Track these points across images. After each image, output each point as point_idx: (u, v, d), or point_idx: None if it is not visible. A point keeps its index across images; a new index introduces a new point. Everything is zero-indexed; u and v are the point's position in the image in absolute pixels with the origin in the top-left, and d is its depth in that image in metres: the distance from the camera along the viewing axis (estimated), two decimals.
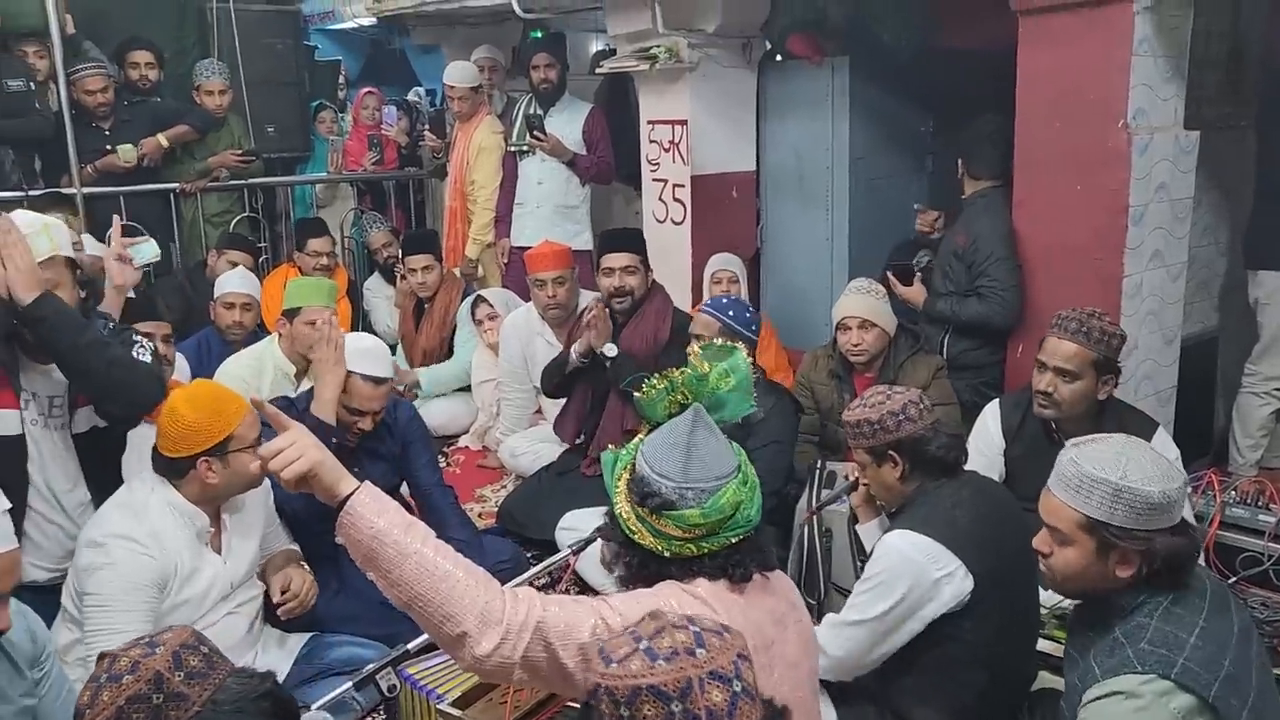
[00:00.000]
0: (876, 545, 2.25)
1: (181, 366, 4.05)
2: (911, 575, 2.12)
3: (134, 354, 2.60)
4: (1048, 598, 2.57)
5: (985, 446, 3.02)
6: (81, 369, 2.46)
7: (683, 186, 4.60)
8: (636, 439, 1.66)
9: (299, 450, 1.55)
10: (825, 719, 2.23)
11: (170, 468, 2.44)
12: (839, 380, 3.56)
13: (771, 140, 4.87)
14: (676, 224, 4.69)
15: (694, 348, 1.66)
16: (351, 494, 1.54)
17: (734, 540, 1.56)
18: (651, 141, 4.72)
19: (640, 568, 1.60)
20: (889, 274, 3.82)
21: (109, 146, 5.09)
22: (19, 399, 2.52)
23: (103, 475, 2.67)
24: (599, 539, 1.72)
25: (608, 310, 3.73)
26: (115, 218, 3.34)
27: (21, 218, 2.51)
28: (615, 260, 3.80)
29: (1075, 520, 1.71)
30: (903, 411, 2.27)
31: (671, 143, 4.61)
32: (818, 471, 3.16)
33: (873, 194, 4.69)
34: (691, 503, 1.53)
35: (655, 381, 1.63)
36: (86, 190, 5.00)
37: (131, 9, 5.64)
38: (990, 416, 3.09)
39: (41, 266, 2.45)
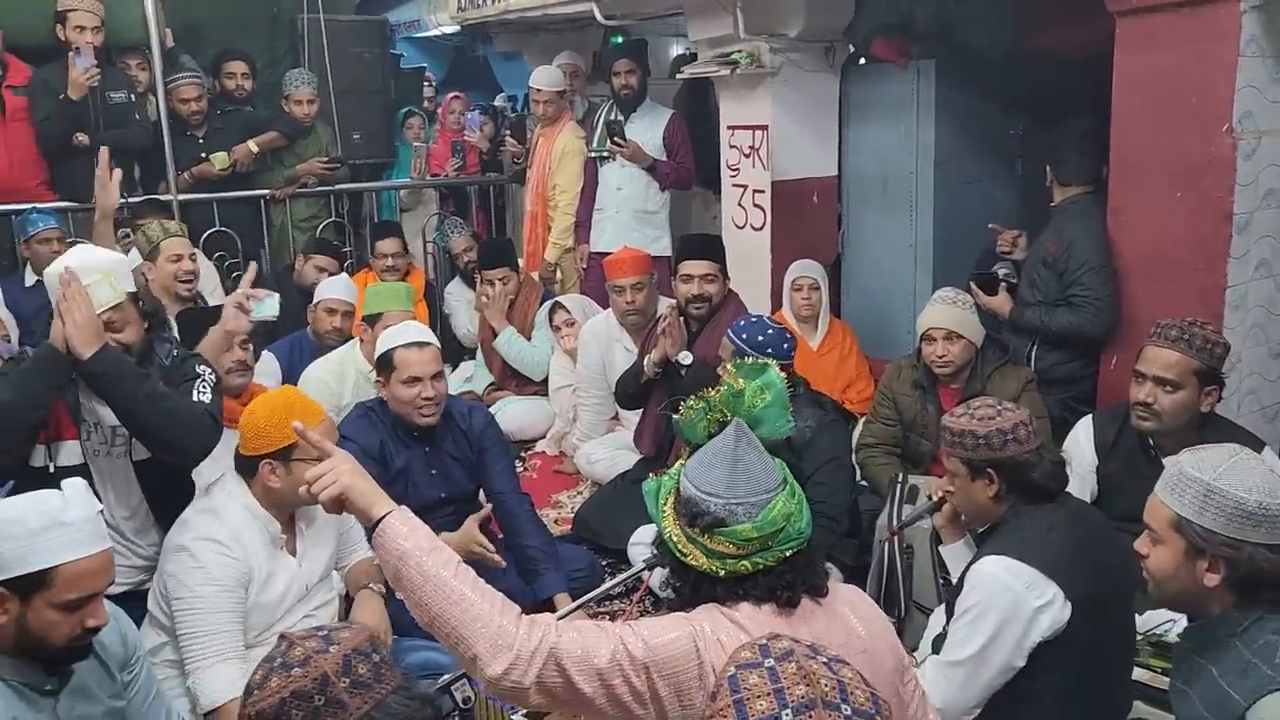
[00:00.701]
0: (969, 573, 2.15)
1: (273, 369, 4.16)
2: (1008, 604, 2.03)
3: (195, 391, 2.62)
4: (1142, 623, 2.46)
5: (1077, 464, 2.91)
6: (137, 421, 2.51)
7: (763, 192, 4.54)
8: (677, 464, 1.65)
9: (335, 475, 1.64)
10: None
11: (243, 466, 2.52)
12: (923, 391, 3.47)
13: (854, 145, 4.79)
14: (756, 230, 4.64)
15: (728, 365, 1.66)
16: (385, 516, 1.60)
17: (788, 554, 1.55)
18: (731, 147, 4.68)
19: (692, 592, 1.58)
20: (972, 284, 3.72)
21: (203, 154, 5.25)
22: (80, 430, 2.59)
23: (165, 500, 2.73)
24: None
25: (682, 318, 3.70)
26: (251, 264, 3.45)
27: (82, 264, 2.51)
28: (695, 268, 3.77)
29: (1167, 518, 1.66)
30: (1012, 432, 2.16)
31: (752, 148, 4.56)
32: (899, 486, 3.09)
33: (958, 199, 4.57)
34: (742, 518, 1.52)
35: (692, 401, 1.63)
36: (182, 197, 5.17)
37: (227, 22, 5.82)
38: (1083, 432, 2.98)
39: (109, 312, 2.51)
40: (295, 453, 2.45)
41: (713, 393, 1.63)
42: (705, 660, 1.49)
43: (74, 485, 1.83)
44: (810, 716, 1.05)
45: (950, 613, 2.21)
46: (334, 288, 4.33)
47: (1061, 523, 2.14)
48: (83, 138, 4.87)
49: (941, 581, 2.83)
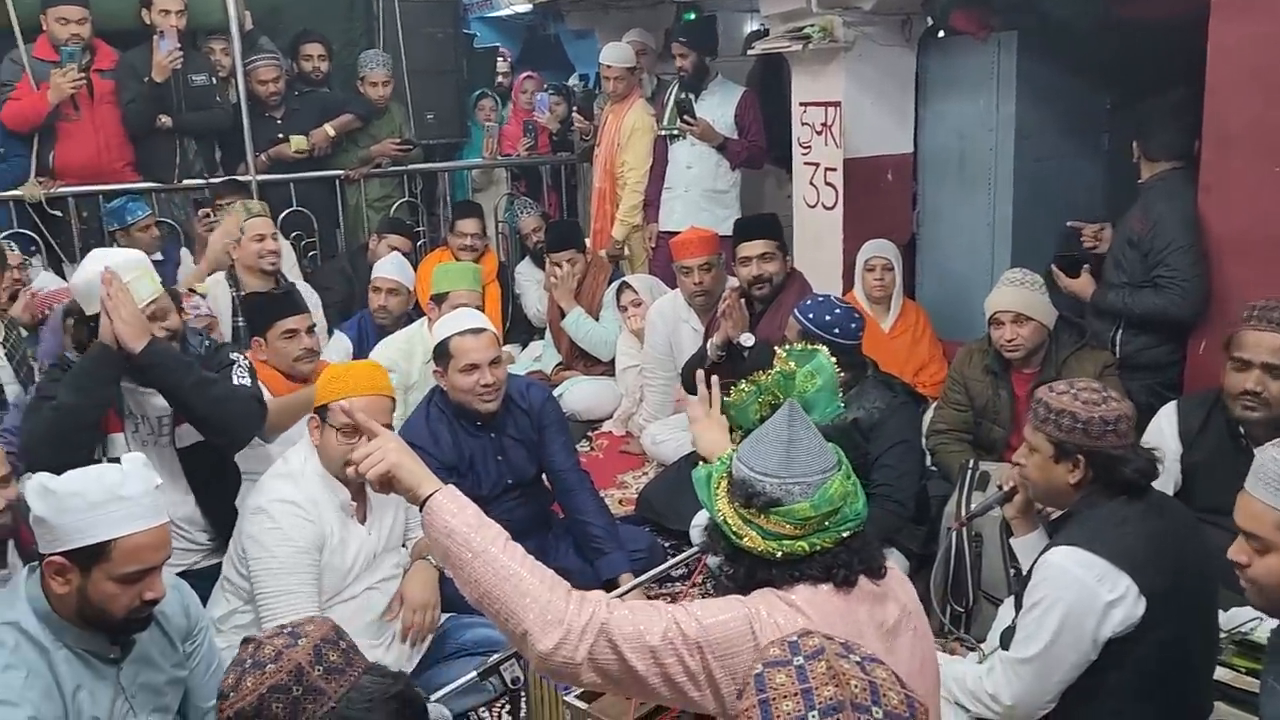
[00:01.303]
0: (1037, 565, 2.06)
1: (345, 346, 4.24)
2: (1077, 596, 1.95)
3: (234, 377, 2.73)
4: (1226, 620, 2.35)
5: (1159, 453, 2.78)
6: (189, 408, 2.61)
7: (834, 170, 4.44)
8: (727, 451, 1.63)
9: (382, 453, 1.66)
10: None
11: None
12: (995, 377, 3.36)
13: (931, 121, 4.65)
14: (828, 209, 4.54)
15: (779, 350, 1.65)
16: (432, 494, 1.61)
17: (845, 535, 1.53)
18: (803, 124, 4.58)
19: (747, 577, 1.56)
20: (1053, 266, 3.58)
21: (280, 135, 5.34)
22: (126, 423, 2.67)
23: (209, 486, 2.82)
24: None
25: (743, 299, 3.65)
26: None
27: (123, 261, 2.62)
28: (751, 249, 3.72)
29: (1274, 521, 1.55)
30: (1115, 423, 2.06)
31: (824, 125, 4.46)
32: (969, 472, 3.00)
33: (1040, 176, 4.41)
34: (799, 496, 1.50)
35: (744, 385, 1.62)
36: (260, 178, 5.29)
37: (304, 4, 5.92)
38: (1165, 420, 2.85)
39: (150, 305, 2.61)
40: (326, 415, 2.51)
41: (763, 376, 1.61)
42: (761, 643, 1.47)
43: (133, 460, 1.88)
44: (839, 719, 1.01)
45: (1019, 605, 2.13)
46: (383, 266, 4.40)
47: (1139, 515, 2.05)
48: (166, 120, 5.01)
49: (1012, 572, 2.75)
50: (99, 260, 2.64)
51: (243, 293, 4.07)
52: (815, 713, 1.03)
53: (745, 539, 1.53)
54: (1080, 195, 4.38)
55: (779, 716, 1.04)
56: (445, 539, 1.57)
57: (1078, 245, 3.86)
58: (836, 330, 3.01)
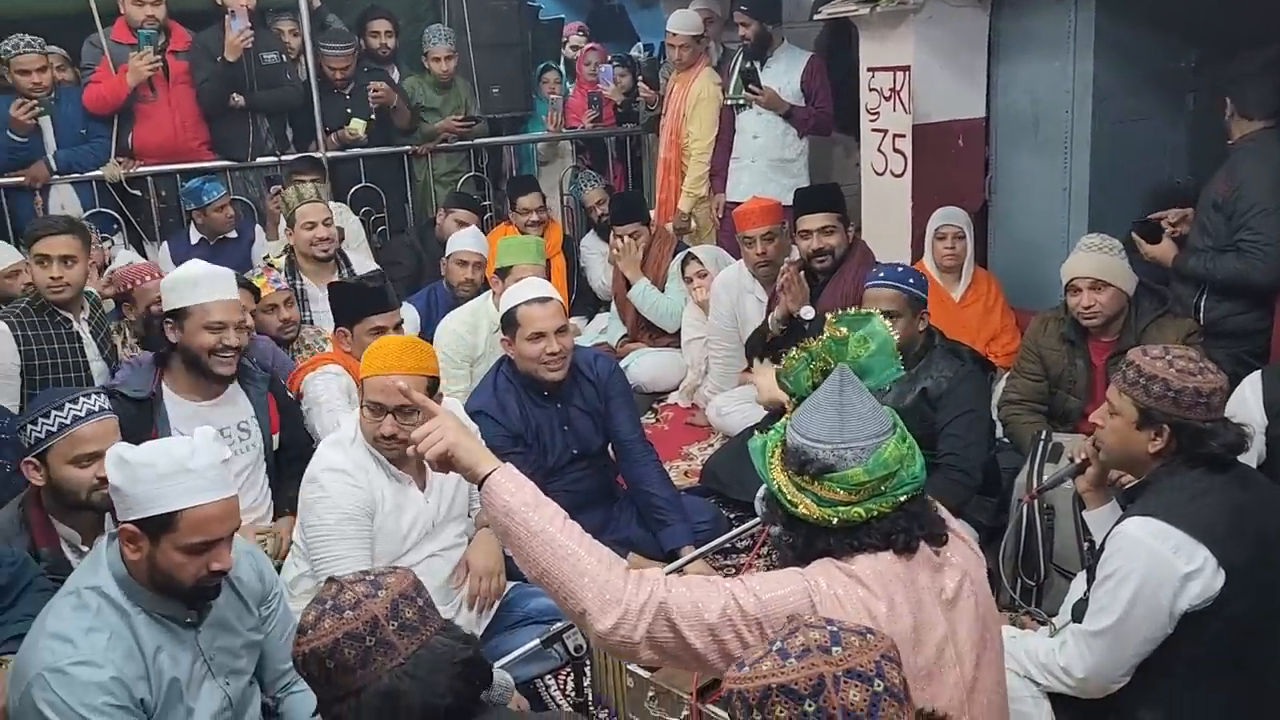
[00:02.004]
0: (1111, 536, 2.01)
1: (413, 318, 4.29)
2: (1152, 568, 1.89)
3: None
4: None
5: (1244, 424, 2.68)
6: None
7: (903, 136, 4.34)
8: (781, 420, 1.61)
9: (440, 433, 1.66)
10: (1037, 717, 2.07)
11: None
12: (1071, 346, 3.27)
13: (1004, 83, 4.51)
14: (896, 176, 4.45)
15: (829, 316, 1.62)
16: (491, 473, 1.62)
17: (903, 499, 1.51)
18: (871, 90, 4.48)
19: (806, 545, 1.54)
20: (1133, 233, 3.46)
21: (348, 110, 5.41)
22: None
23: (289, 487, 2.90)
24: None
25: (803, 272, 3.60)
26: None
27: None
28: (811, 222, 3.68)
29: None
30: (1208, 396, 1.98)
31: (893, 90, 4.36)
32: (1042, 444, 2.94)
33: (1120, 138, 4.25)
34: (851, 462, 1.48)
35: (794, 352, 1.60)
36: (330, 155, 5.38)
37: None
38: (1250, 390, 2.74)
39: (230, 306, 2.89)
40: (363, 387, 2.55)
41: (814, 343, 1.58)
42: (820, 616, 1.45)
43: (203, 434, 1.93)
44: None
45: (1092, 578, 2.08)
46: (464, 240, 4.42)
47: (1220, 486, 1.98)
48: (239, 98, 5.11)
49: (1086, 545, 2.69)
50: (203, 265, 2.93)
51: (301, 279, 4.12)
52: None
53: (800, 507, 1.52)
54: (1162, 159, 4.22)
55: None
56: (504, 518, 1.58)
57: (1158, 208, 3.72)
58: (911, 280, 3.02)
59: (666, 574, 1.56)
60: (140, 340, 3.66)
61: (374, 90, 5.32)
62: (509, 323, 3.07)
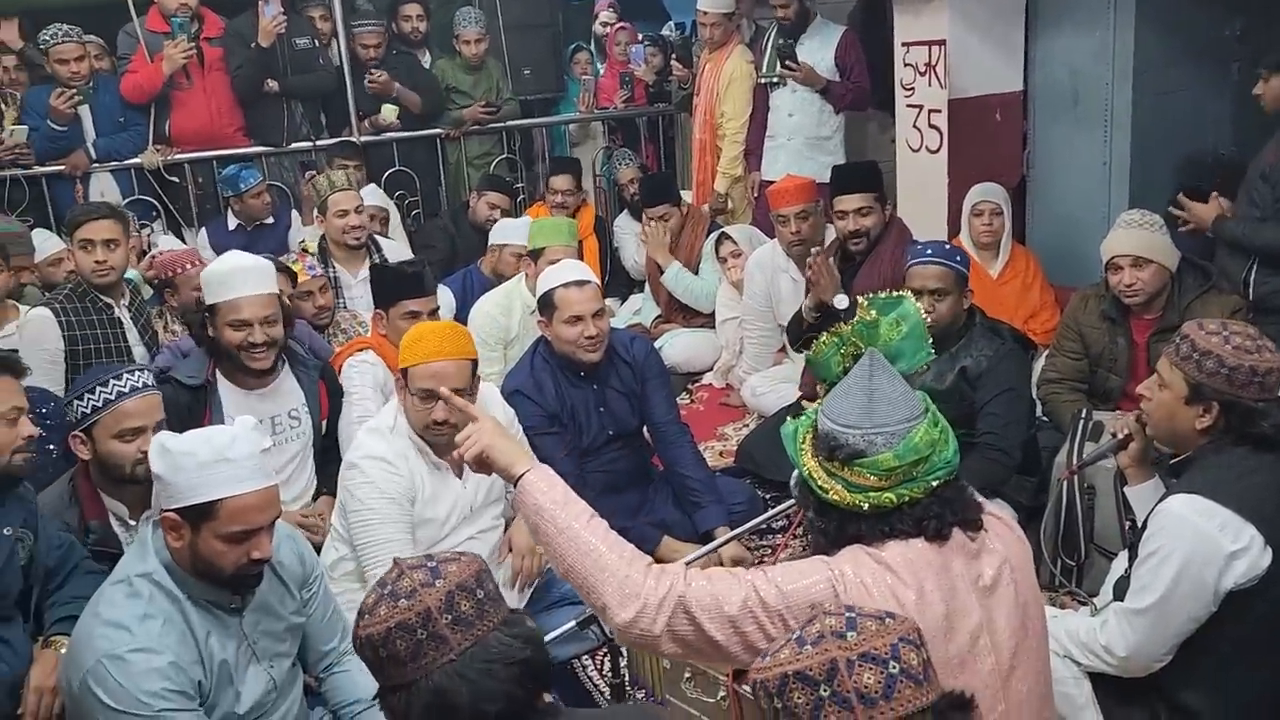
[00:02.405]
0: (1154, 513, 1.98)
1: (447, 300, 4.29)
2: (1196, 546, 1.86)
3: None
4: None
5: None
6: None
7: (939, 112, 4.28)
8: (813, 406, 1.61)
9: (478, 435, 1.71)
10: (1079, 697, 2.06)
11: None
12: (1112, 323, 3.22)
13: (1042, 56, 4.44)
14: (932, 152, 4.39)
15: (860, 300, 1.61)
16: (525, 473, 1.65)
17: (935, 484, 1.50)
18: (906, 65, 4.42)
19: (838, 531, 1.54)
20: (1181, 195, 3.39)
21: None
22: None
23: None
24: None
25: (837, 254, 3.56)
26: None
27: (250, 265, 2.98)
28: (848, 203, 3.63)
29: None
30: (1264, 376, 1.93)
31: (928, 65, 4.30)
32: (1082, 422, 2.90)
33: (1162, 110, 4.17)
34: (881, 447, 1.47)
35: (824, 338, 1.60)
36: (364, 139, 5.40)
37: None
38: None
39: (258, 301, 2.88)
40: (407, 378, 2.55)
41: (845, 327, 1.58)
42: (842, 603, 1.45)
43: (243, 423, 1.95)
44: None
45: (1134, 556, 2.06)
46: (516, 232, 4.35)
47: (1268, 465, 1.95)
48: (273, 84, 5.15)
49: (1128, 524, 2.65)
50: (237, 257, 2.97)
51: (334, 267, 4.15)
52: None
53: (831, 493, 1.51)
54: (1206, 131, 4.14)
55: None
56: (535, 516, 1.62)
57: (1203, 175, 3.65)
58: (957, 258, 3.00)
59: (700, 557, 1.58)
60: (189, 328, 3.71)
61: (370, 82, 5.31)
62: (546, 305, 3.08)
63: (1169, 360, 2.03)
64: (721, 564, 2.97)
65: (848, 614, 1.16)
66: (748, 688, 2.08)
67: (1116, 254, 3.13)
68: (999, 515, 1.64)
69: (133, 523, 2.43)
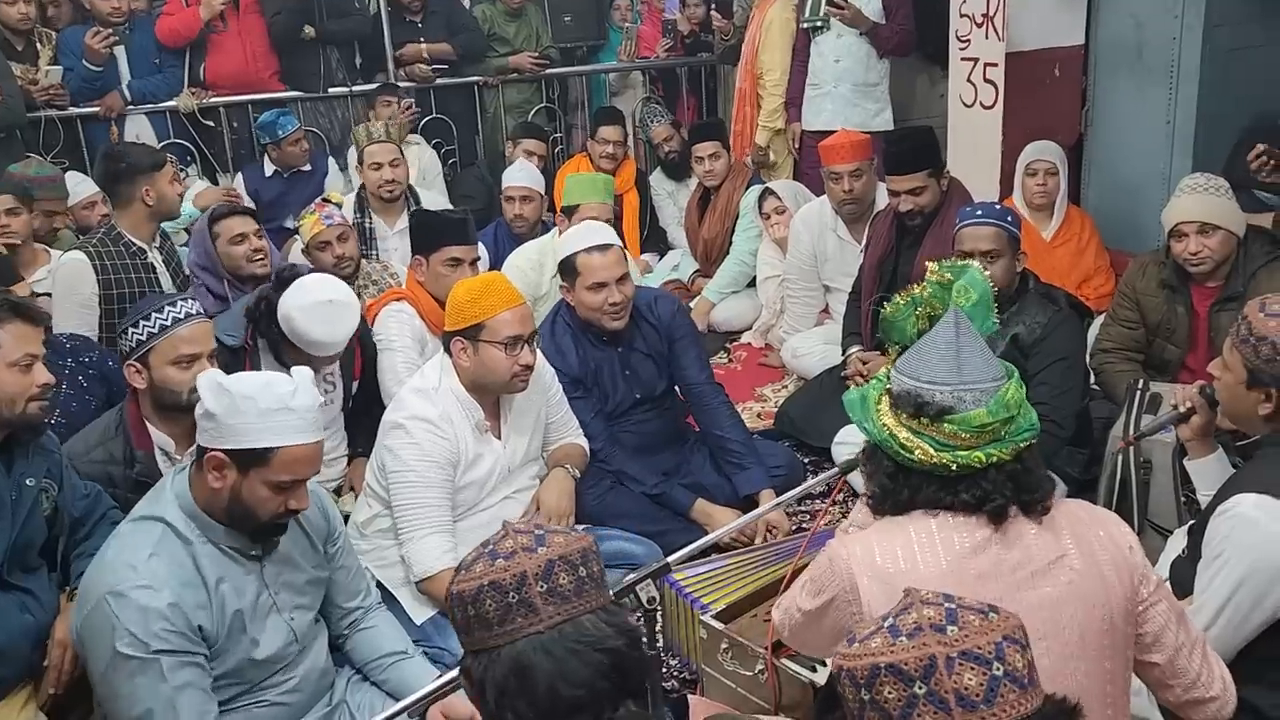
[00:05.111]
0: (1221, 514, 1.84)
1: (481, 253, 4.23)
2: (1267, 549, 1.75)
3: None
4: None
5: None
6: None
7: (995, 65, 4.10)
8: (881, 370, 1.56)
9: None
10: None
11: (444, 341, 2.60)
12: (1172, 292, 3.08)
13: (1106, 8, 4.23)
14: (986, 108, 4.22)
15: (930, 265, 1.56)
16: None
17: (1023, 445, 1.46)
18: (962, 15, 4.24)
19: (911, 494, 1.49)
20: (1260, 145, 3.22)
21: (420, 39, 5.32)
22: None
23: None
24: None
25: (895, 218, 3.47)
26: None
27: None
28: (901, 183, 3.48)
29: None
30: None
31: (985, 16, 4.12)
32: (1139, 393, 2.78)
33: (1233, 68, 3.96)
34: (971, 404, 1.43)
35: (898, 299, 1.55)
36: (401, 85, 5.31)
37: None
38: None
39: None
40: (482, 334, 2.48)
41: (918, 289, 1.53)
42: (863, 599, 1.47)
43: (302, 374, 1.92)
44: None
45: (1191, 535, 1.96)
46: (512, 174, 4.29)
47: None
48: (310, 29, 5.06)
49: (1184, 499, 2.55)
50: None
51: (371, 217, 4.07)
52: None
53: (916, 451, 1.46)
54: (1278, 91, 3.93)
55: None
56: None
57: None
58: (1009, 218, 2.90)
59: (743, 524, 1.54)
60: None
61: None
62: (568, 269, 2.98)
63: (1231, 341, 1.94)
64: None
65: (946, 605, 1.06)
66: (788, 660, 2.04)
67: (1182, 220, 2.97)
68: (1101, 518, 1.56)
69: (178, 457, 2.42)
